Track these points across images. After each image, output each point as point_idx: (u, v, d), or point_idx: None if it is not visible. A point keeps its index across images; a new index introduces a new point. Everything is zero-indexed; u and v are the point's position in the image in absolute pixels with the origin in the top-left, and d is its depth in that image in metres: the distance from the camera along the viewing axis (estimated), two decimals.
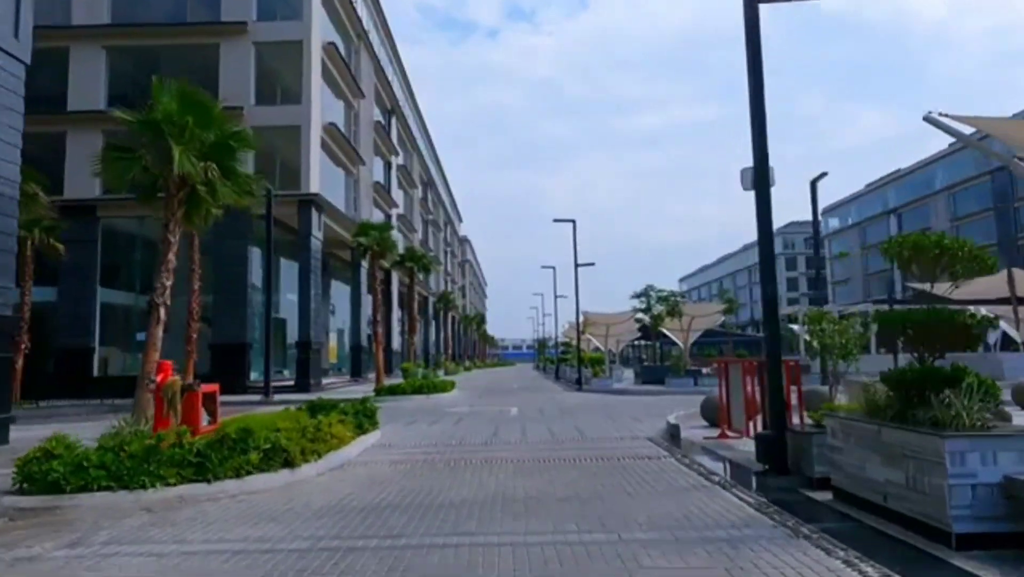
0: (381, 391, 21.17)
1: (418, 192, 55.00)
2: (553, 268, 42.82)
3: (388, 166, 44.16)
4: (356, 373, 33.17)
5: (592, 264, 31.40)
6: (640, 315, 34.70)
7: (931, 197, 71.53)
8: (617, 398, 20.41)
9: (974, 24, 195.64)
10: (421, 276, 37.21)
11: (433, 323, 64.27)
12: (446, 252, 76.83)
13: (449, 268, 79.74)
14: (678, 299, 26.15)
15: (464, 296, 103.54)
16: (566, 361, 39.27)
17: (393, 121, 45.96)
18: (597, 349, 62.99)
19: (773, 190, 7.51)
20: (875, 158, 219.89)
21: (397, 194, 45.92)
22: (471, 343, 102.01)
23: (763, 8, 7.48)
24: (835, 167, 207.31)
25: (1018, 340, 23.24)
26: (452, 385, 24.73)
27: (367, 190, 35.98)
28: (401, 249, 33.67)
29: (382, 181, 41.42)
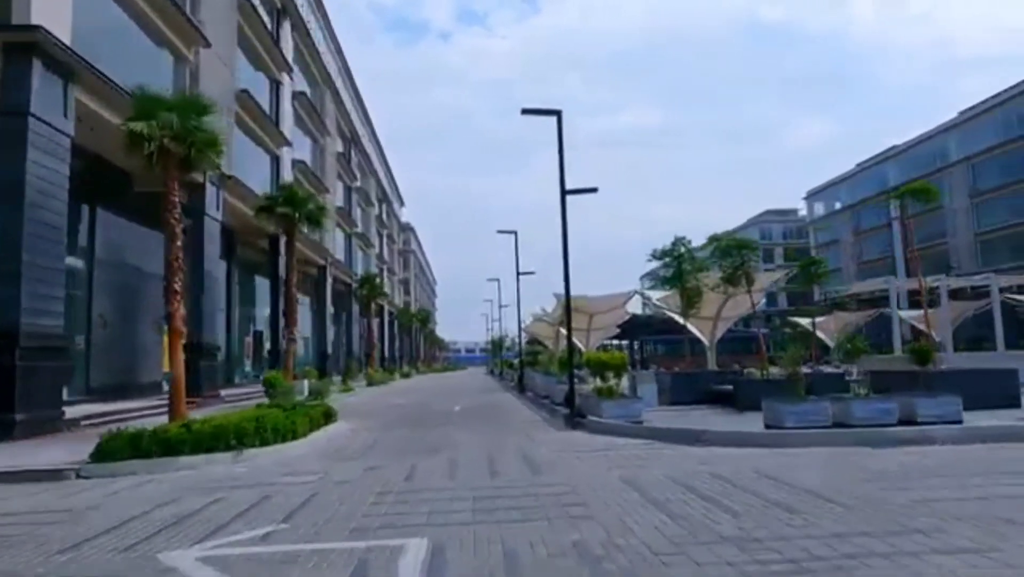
0: (108, 450, 8.53)
1: (332, 141, 41.86)
2: (498, 280, 46.49)
3: (275, 84, 31.35)
4: (321, 377, 27.97)
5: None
6: (649, 294, 22.99)
7: (944, 171, 62.26)
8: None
9: (910, 36, 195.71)
10: (313, 235, 25.64)
11: (365, 319, 51.24)
12: (380, 234, 63.93)
13: (386, 254, 66.77)
14: (751, 254, 14.36)
15: (409, 292, 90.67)
16: (535, 365, 27.02)
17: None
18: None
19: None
20: (825, 161, 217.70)
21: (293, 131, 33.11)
22: (415, 345, 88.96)
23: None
24: (789, 168, 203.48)
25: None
26: (324, 420, 12.46)
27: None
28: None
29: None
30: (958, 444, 8.74)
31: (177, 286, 12.34)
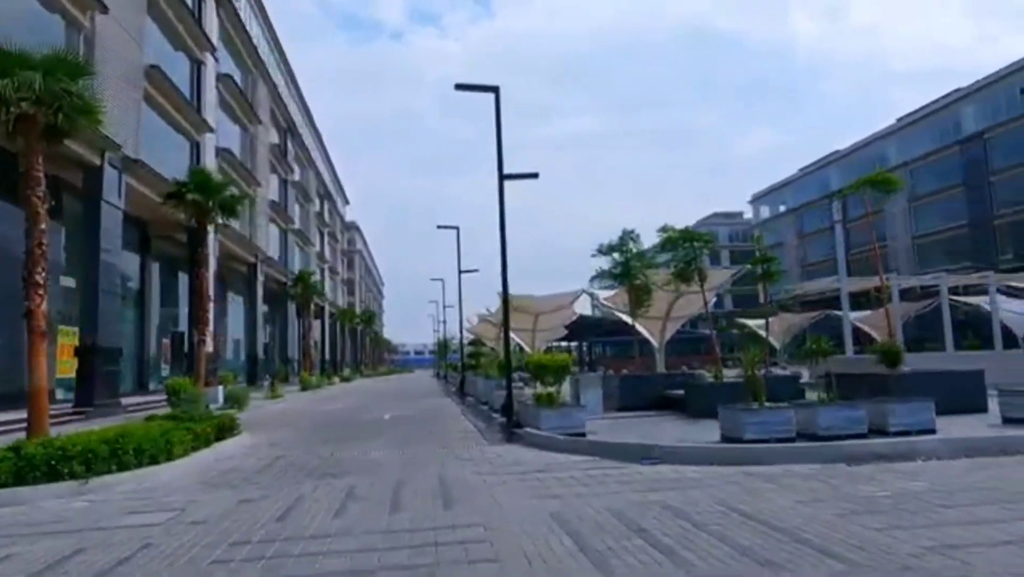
0: None
1: (266, 131, 39.31)
2: (441, 280, 43.11)
3: (197, 65, 28.97)
4: (251, 382, 29.84)
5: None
6: (597, 293, 21.84)
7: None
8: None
9: (850, 48, 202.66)
10: (243, 229, 23.77)
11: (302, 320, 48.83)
12: (322, 232, 61.39)
13: (328, 253, 64.22)
14: (703, 247, 13.11)
15: (354, 293, 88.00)
16: (476, 368, 25.49)
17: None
18: (520, 348, 49.55)
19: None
20: (773, 166, 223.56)
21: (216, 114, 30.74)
22: (360, 347, 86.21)
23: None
24: (738, 173, 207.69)
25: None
26: (219, 433, 10.66)
27: None
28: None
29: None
30: (942, 459, 7.63)
31: (40, 278, 10.33)
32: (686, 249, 13.44)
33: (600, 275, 16.44)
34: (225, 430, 11.25)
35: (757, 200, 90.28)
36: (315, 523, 5.56)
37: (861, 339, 42.64)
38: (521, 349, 41.07)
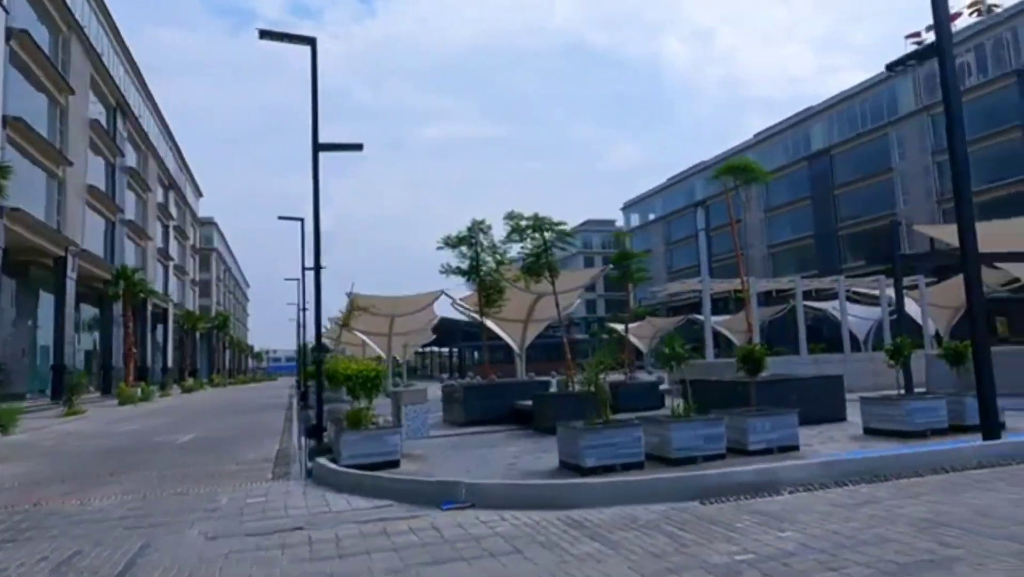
0: None
1: (81, 103, 33.76)
2: (298, 280, 36.89)
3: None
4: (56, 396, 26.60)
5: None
6: (454, 293, 19.97)
7: (744, 186, 66.79)
8: None
9: (711, 73, 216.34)
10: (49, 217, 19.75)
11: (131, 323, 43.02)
12: (167, 225, 55.29)
13: (174, 250, 58.02)
14: (563, 237, 11.40)
15: (210, 295, 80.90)
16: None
17: None
18: (379, 359, 46.76)
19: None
20: (643, 179, 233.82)
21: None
22: (216, 354, 79.16)
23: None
24: (611, 183, 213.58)
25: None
26: None
27: None
28: None
29: None
30: (811, 489, 6.21)
31: None
32: (535, 241, 11.71)
33: (446, 271, 14.40)
34: None
35: (628, 208, 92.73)
36: None
37: (721, 343, 43.86)
38: (380, 358, 38.26)
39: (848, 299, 28.60)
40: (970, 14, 45.92)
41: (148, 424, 19.01)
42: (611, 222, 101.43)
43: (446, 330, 43.25)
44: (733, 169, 12.30)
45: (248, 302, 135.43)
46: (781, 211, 63.10)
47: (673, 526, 5.11)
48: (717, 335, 41.43)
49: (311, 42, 11.19)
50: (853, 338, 30.06)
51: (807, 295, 28.39)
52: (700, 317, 31.58)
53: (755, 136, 67.82)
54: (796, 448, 8.05)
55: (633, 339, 49.78)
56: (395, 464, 8.32)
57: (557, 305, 13.01)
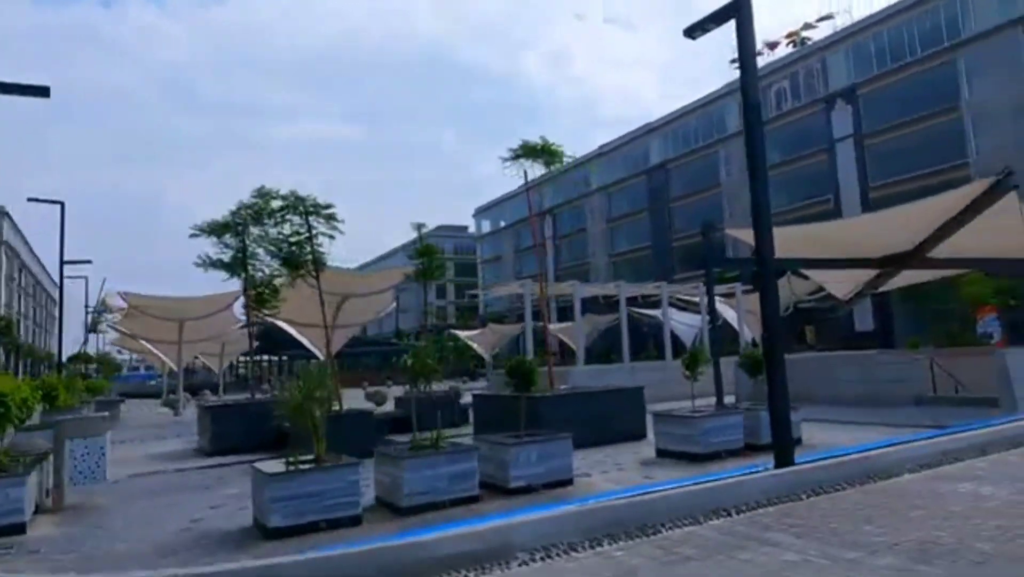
0: None
1: None
2: (85, 278, 36.92)
3: None
4: None
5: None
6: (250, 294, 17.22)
7: (587, 197, 68.48)
8: None
9: (567, 94, 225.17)
10: None
11: None
12: None
13: None
14: (330, 222, 9.27)
15: None
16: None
17: None
18: (196, 369, 42.46)
19: None
20: (495, 191, 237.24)
21: None
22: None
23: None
24: (465, 194, 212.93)
25: None
26: None
27: None
28: None
29: None
30: (556, 552, 4.56)
31: None
32: (295, 226, 9.51)
33: (203, 264, 11.73)
34: None
35: (480, 214, 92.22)
36: None
37: (564, 351, 43.70)
38: (195, 368, 33.86)
39: (678, 306, 29.00)
40: (787, 44, 49.73)
41: None
42: (464, 228, 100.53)
43: (269, 337, 39.31)
44: (531, 151, 10.92)
45: (56, 307, 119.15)
46: (622, 221, 65.06)
47: None
48: (562, 344, 41.01)
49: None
50: (682, 344, 30.57)
51: (635, 302, 28.34)
52: (540, 323, 30.71)
53: (599, 148, 69.66)
54: (569, 482, 6.53)
55: (478, 347, 48.44)
56: (19, 528, 5.78)
57: (322, 305, 10.78)
